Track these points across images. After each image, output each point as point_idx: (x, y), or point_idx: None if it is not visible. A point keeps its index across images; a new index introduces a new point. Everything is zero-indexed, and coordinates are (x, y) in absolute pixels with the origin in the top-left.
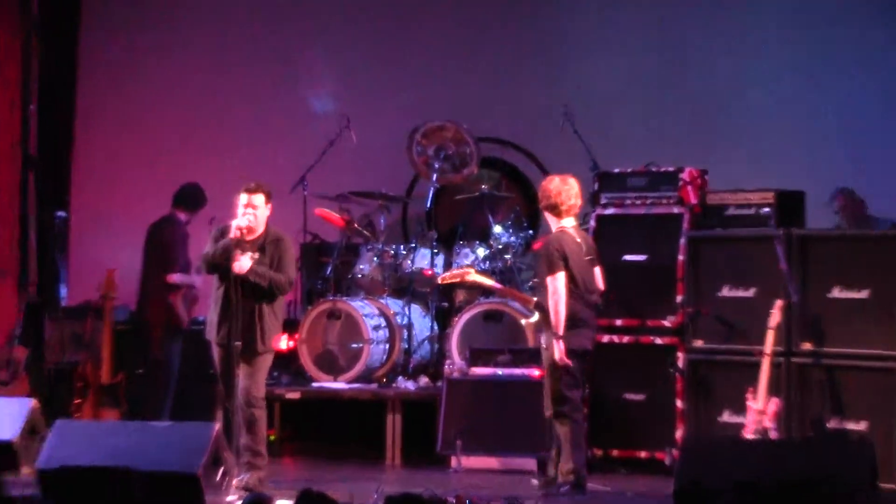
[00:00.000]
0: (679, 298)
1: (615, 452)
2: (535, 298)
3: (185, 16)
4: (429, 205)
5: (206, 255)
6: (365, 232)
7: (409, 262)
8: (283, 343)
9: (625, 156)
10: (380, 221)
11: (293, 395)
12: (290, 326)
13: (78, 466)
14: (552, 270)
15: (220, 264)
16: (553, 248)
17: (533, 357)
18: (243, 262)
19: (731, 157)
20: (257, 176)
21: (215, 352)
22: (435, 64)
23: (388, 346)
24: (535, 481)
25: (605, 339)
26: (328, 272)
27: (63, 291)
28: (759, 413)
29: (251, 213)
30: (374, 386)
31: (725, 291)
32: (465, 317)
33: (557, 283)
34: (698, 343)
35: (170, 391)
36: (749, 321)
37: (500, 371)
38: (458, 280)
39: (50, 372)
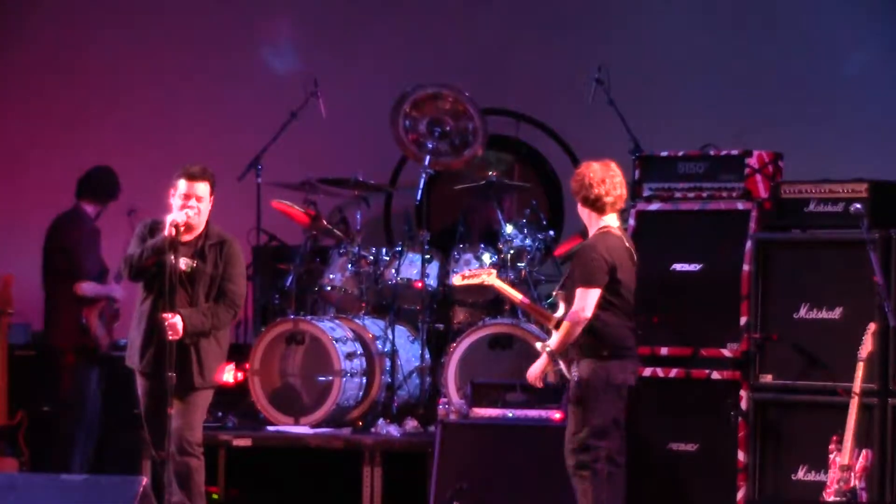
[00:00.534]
0: (743, 321)
1: None
2: (556, 316)
3: None
4: (420, 196)
5: (130, 257)
6: (336, 231)
7: (394, 270)
8: (229, 375)
9: (675, 135)
10: (355, 217)
11: (242, 441)
12: (239, 354)
13: None
14: (590, 282)
15: (146, 269)
16: (598, 253)
17: (552, 395)
18: (176, 324)
19: (811, 138)
20: (193, 158)
21: (139, 384)
22: (430, 15)
23: (365, 379)
24: None
25: (648, 372)
26: (288, 283)
27: None
28: (844, 469)
29: (193, 205)
30: (347, 431)
31: (803, 312)
32: (466, 343)
33: (589, 300)
34: (767, 378)
35: (83, 435)
36: (834, 351)
37: (509, 413)
38: (477, 282)
39: None
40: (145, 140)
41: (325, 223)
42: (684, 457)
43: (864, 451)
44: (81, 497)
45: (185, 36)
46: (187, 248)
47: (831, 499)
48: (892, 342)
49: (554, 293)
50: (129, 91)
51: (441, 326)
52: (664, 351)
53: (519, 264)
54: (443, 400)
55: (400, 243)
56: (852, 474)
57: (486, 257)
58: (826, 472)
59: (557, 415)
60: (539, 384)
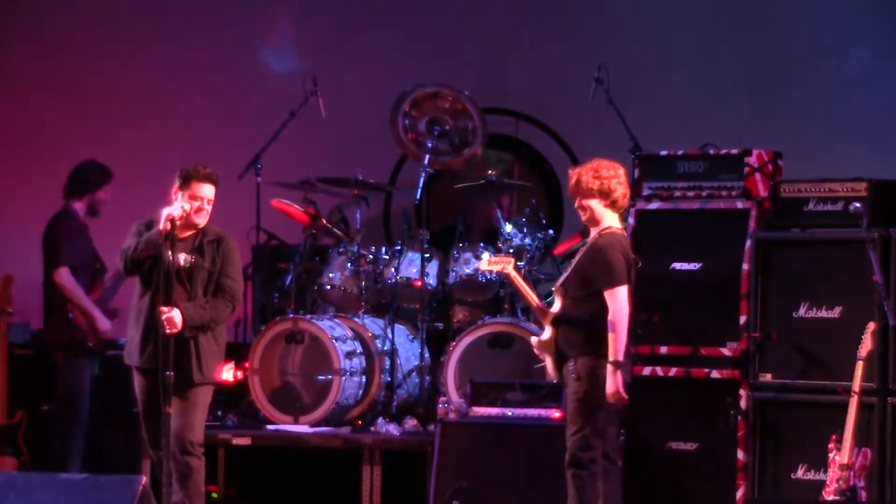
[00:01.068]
0: (743, 320)
1: None
2: (552, 311)
3: None
4: (419, 195)
5: (126, 250)
6: (336, 230)
7: (393, 269)
8: (229, 374)
9: (675, 134)
10: (355, 216)
11: (242, 440)
12: (238, 353)
13: None
14: (615, 282)
15: (142, 262)
16: (619, 253)
17: (552, 394)
18: (174, 317)
19: (810, 137)
20: (192, 156)
21: (137, 382)
22: (430, 15)
23: (364, 378)
24: None
25: (647, 371)
26: (288, 282)
27: None
28: (843, 468)
29: (203, 207)
30: (346, 430)
31: (803, 311)
32: (465, 342)
33: (621, 298)
34: (766, 377)
35: (78, 434)
36: (833, 350)
37: (509, 412)
38: (498, 268)
39: None
40: (145, 139)
41: (325, 222)
42: (683, 456)
43: (863, 451)
44: (81, 496)
45: (185, 35)
46: (185, 244)
47: (830, 498)
48: (892, 341)
49: (553, 289)
50: (129, 91)
51: (440, 325)
52: (663, 350)
53: (518, 263)
54: (442, 399)
55: (399, 242)
56: (852, 473)
57: (486, 256)
58: (825, 471)
59: (556, 414)
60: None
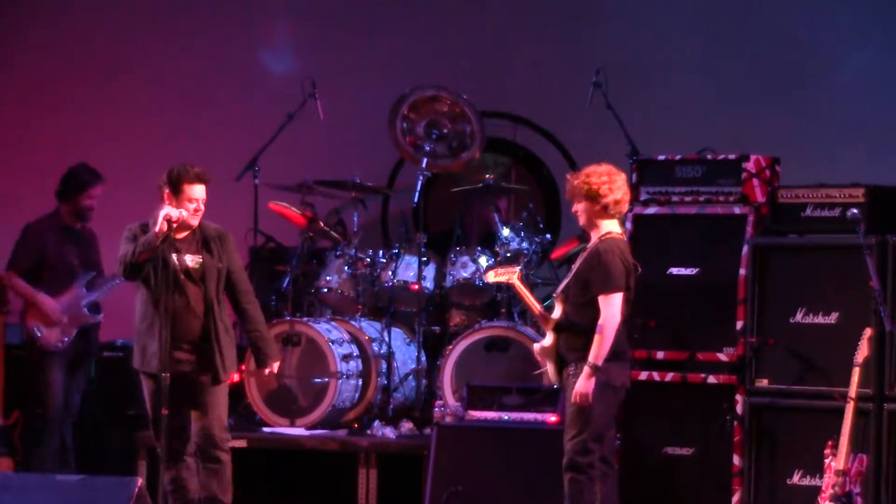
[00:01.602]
0: (739, 325)
1: None
2: (554, 317)
3: None
4: (417, 199)
5: (123, 256)
6: (333, 233)
7: (390, 273)
8: None
9: (673, 139)
10: (352, 219)
11: (238, 442)
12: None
13: None
14: (611, 288)
15: (141, 266)
16: (618, 259)
17: (548, 398)
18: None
19: (811, 143)
20: (190, 159)
21: (150, 387)
22: (429, 17)
23: (361, 381)
24: None
25: (643, 375)
26: (284, 285)
27: None
28: (839, 474)
29: (200, 208)
30: (343, 433)
31: (799, 316)
32: (462, 345)
33: (615, 306)
34: (763, 383)
35: (48, 434)
36: (830, 355)
37: (505, 415)
38: (504, 279)
39: None
40: (141, 141)
41: (322, 225)
42: (680, 461)
43: (859, 457)
44: (77, 497)
45: (183, 37)
46: (187, 244)
47: (826, 503)
48: (889, 347)
49: (553, 295)
50: (127, 93)
51: (437, 329)
52: (660, 355)
53: (517, 267)
54: (438, 402)
55: (397, 245)
56: (848, 479)
57: (483, 260)
58: (821, 477)
59: (553, 418)
60: (590, 400)
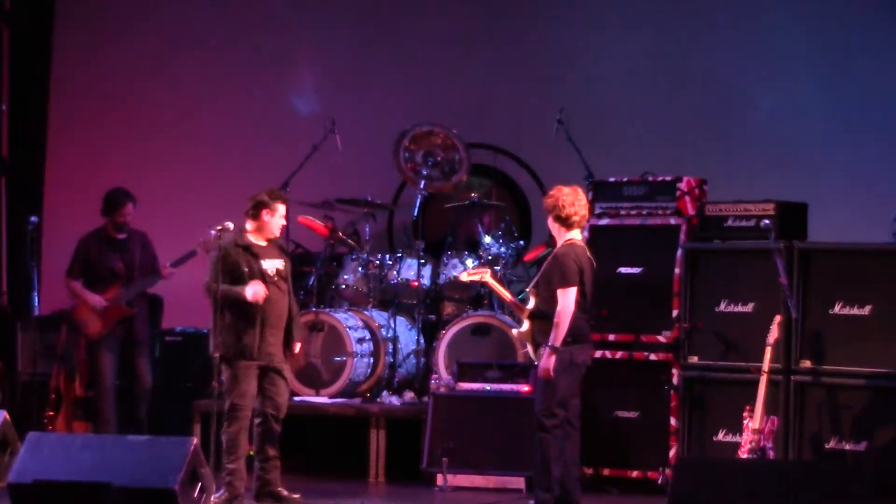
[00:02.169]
0: (675, 313)
1: (606, 472)
2: (528, 308)
3: (164, 16)
4: (416, 213)
5: (212, 289)
6: (349, 241)
7: (395, 272)
8: None
9: (621, 164)
10: (365, 230)
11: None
12: None
13: (51, 481)
14: (567, 283)
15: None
16: (572, 260)
17: (522, 372)
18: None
19: (732, 166)
20: (238, 182)
21: (254, 374)
22: (425, 67)
23: (372, 359)
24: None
25: (598, 354)
26: (311, 283)
27: (35, 300)
28: (755, 432)
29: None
30: (357, 401)
31: (723, 306)
32: (453, 330)
33: (569, 298)
34: (694, 359)
35: (104, 404)
36: (747, 337)
37: (488, 386)
38: (477, 278)
39: (22, 384)
40: (194, 168)
41: (341, 235)
42: (627, 422)
43: (771, 418)
44: (145, 454)
45: (230, 84)
46: (270, 250)
47: (745, 456)
48: (794, 330)
49: (527, 290)
50: (182, 128)
51: (433, 317)
52: (611, 337)
53: (496, 268)
54: (434, 376)
55: (400, 251)
56: (762, 436)
57: (470, 262)
58: (741, 435)
59: (526, 388)
60: (552, 375)
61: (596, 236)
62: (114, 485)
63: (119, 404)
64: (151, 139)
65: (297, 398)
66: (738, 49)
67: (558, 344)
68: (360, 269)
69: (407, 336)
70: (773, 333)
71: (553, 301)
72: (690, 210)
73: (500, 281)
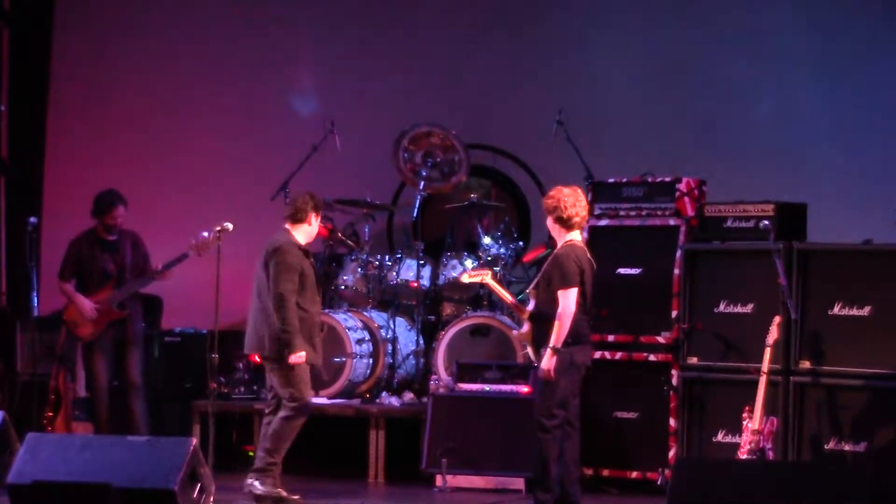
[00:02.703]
0: (674, 314)
1: (606, 472)
2: (528, 309)
3: (163, 17)
4: (415, 214)
5: (285, 304)
6: (349, 241)
7: (395, 273)
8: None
9: (620, 165)
10: (364, 231)
11: None
12: None
13: (51, 482)
14: (568, 284)
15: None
16: (572, 261)
17: (521, 373)
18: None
19: (731, 167)
20: (238, 183)
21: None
22: (424, 68)
23: (371, 360)
24: None
25: (597, 354)
26: None
27: (35, 300)
28: (755, 433)
29: None
30: (357, 401)
31: (722, 307)
32: (452, 331)
33: (570, 299)
34: (693, 360)
35: (98, 404)
36: (746, 338)
37: (487, 387)
38: (478, 280)
39: (21, 384)
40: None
41: (340, 235)
42: (627, 423)
43: (770, 419)
44: (145, 454)
45: (228, 84)
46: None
47: (744, 457)
48: (793, 331)
49: (527, 291)
50: (183, 129)
51: (432, 318)
52: (611, 338)
53: (495, 269)
54: (434, 377)
55: (399, 251)
56: (761, 437)
57: (469, 263)
58: (740, 436)
59: (525, 389)
60: (553, 375)
61: (595, 237)
62: (113, 485)
63: (115, 404)
64: (151, 140)
65: None
66: (738, 49)
67: (559, 345)
68: (359, 269)
69: (406, 337)
70: (773, 334)
71: (553, 302)
72: (690, 211)
73: (499, 282)
